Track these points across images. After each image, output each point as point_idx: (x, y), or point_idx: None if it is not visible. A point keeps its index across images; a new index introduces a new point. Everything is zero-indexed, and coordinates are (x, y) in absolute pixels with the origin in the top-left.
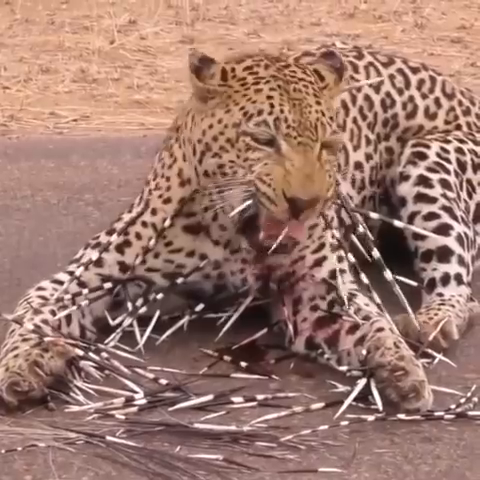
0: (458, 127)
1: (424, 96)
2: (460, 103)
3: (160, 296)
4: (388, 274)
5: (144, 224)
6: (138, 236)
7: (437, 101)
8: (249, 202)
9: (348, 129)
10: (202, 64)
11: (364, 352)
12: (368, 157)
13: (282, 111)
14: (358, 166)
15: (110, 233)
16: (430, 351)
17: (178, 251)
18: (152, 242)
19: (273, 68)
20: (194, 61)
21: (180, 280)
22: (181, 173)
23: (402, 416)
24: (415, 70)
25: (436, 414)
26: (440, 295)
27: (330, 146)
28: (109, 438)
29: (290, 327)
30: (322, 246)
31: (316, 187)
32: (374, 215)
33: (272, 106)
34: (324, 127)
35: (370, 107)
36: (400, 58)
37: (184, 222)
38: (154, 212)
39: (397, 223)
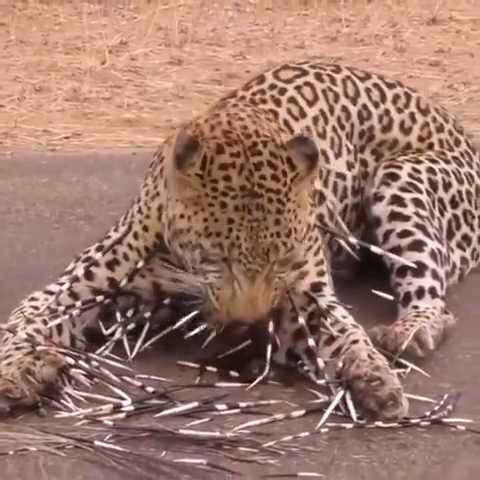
0: (430, 146)
1: (399, 110)
2: (434, 119)
3: (148, 315)
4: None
5: (130, 246)
6: (126, 257)
7: (412, 116)
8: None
9: (328, 137)
10: (186, 152)
11: (340, 365)
12: (350, 166)
13: (238, 237)
14: (340, 174)
15: (99, 249)
16: (403, 361)
17: (162, 277)
18: (123, 283)
19: (246, 171)
20: (179, 151)
21: (167, 301)
22: (161, 209)
23: (379, 423)
24: (391, 85)
25: (412, 421)
26: (415, 308)
27: (284, 264)
28: (97, 443)
29: (273, 338)
30: (304, 262)
31: (259, 311)
32: (353, 240)
33: (230, 230)
34: (277, 251)
35: (347, 118)
36: (376, 74)
37: (162, 256)
38: (136, 236)
39: (374, 249)
